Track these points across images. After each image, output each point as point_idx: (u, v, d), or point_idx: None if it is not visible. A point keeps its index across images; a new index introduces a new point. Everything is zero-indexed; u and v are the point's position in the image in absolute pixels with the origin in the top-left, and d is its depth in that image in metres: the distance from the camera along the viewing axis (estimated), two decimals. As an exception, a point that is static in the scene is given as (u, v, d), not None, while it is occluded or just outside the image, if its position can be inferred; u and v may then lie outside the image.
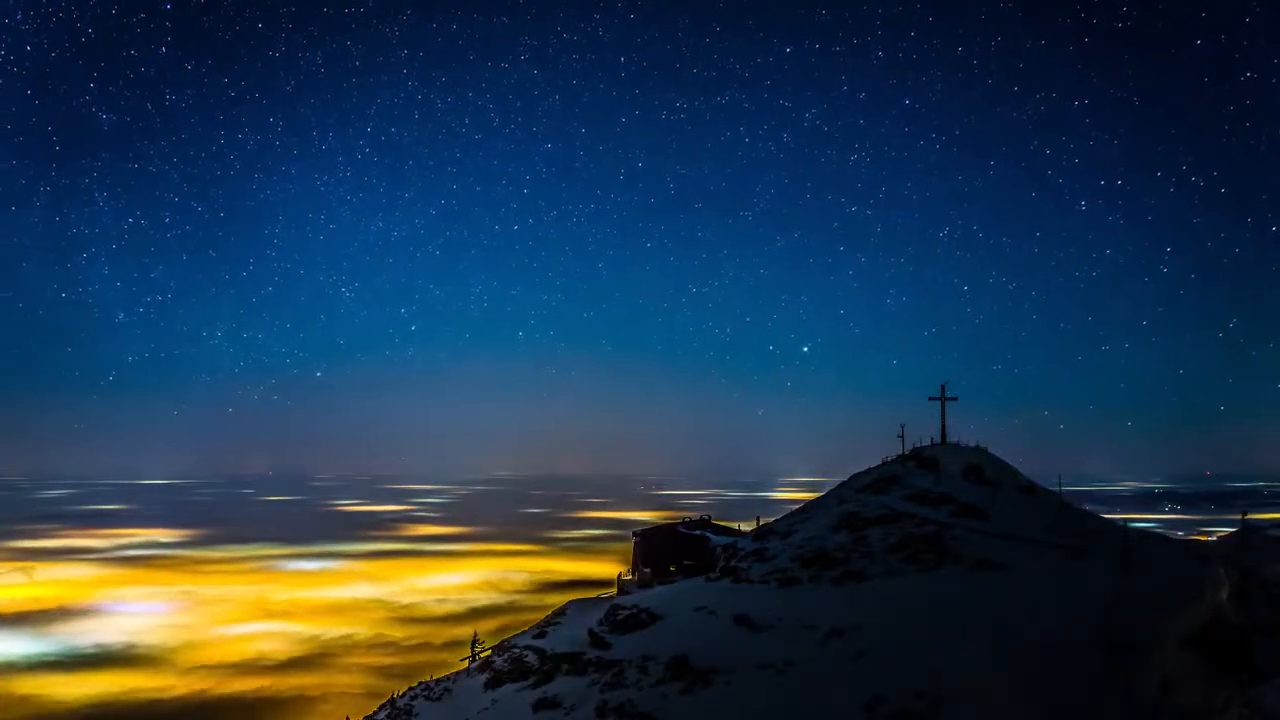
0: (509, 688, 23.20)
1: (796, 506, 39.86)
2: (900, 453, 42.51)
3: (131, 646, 69.86)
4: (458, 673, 27.38)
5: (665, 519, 56.36)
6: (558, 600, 42.60)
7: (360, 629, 76.97)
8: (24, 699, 55.42)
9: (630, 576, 42.65)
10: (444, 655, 58.24)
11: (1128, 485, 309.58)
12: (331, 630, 75.94)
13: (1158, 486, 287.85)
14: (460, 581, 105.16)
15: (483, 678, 24.90)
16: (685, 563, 40.27)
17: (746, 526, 43.69)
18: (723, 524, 45.24)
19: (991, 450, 40.79)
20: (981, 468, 38.13)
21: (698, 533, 42.12)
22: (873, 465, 42.29)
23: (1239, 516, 28.16)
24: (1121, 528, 29.11)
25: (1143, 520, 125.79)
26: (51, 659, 65.85)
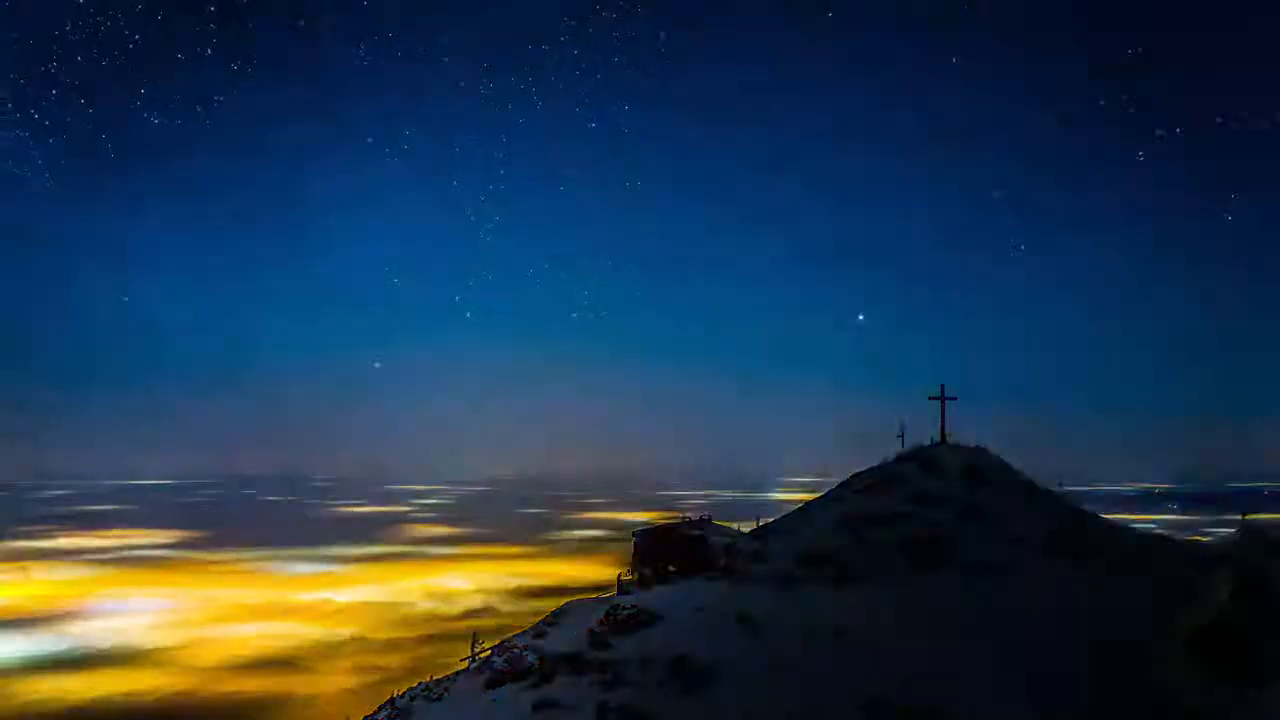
0: (508, 688, 23.16)
1: (796, 506, 39.84)
2: (900, 452, 42.50)
3: (130, 647, 69.81)
4: (458, 673, 27.34)
5: (665, 519, 56.27)
6: (557, 601, 42.50)
7: (359, 629, 76.91)
8: (23, 699, 55.37)
9: (630, 577, 42.60)
10: (444, 655, 58.15)
11: (1128, 485, 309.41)
12: (330, 631, 75.89)
13: (1158, 486, 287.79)
14: (459, 583, 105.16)
15: (482, 678, 24.85)
16: (685, 563, 40.23)
17: (746, 526, 43.66)
18: (723, 524, 45.16)
19: (992, 450, 40.80)
20: (982, 468, 38.11)
21: (698, 533, 42.07)
22: (873, 465, 42.28)
23: (1239, 516, 28.20)
24: (1122, 528, 29.14)
25: (1143, 520, 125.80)
26: (50, 659, 65.77)
